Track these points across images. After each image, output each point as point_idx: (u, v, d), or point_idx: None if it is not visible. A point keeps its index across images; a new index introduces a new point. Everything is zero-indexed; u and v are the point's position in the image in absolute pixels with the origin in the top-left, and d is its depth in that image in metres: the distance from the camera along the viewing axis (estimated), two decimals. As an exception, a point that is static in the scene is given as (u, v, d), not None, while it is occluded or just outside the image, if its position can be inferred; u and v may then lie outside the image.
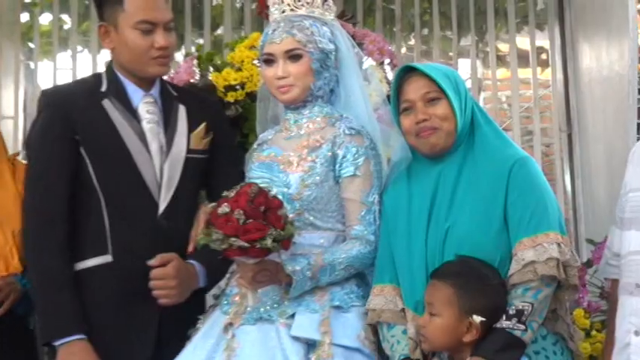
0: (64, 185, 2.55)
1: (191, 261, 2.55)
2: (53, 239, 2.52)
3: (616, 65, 3.56)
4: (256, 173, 2.52)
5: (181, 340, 2.46)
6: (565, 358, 2.32)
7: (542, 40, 4.21)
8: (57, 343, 2.47)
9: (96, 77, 2.70)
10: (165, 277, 2.47)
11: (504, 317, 2.16)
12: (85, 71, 4.10)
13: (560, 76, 4.04)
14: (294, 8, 2.52)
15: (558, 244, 2.18)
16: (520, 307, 2.15)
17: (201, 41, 4.03)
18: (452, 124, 2.32)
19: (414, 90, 2.33)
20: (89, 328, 2.47)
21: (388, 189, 2.53)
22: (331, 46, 2.52)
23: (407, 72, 2.39)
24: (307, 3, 2.53)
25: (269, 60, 2.51)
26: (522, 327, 2.13)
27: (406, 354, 2.29)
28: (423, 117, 2.31)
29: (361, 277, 2.48)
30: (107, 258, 2.53)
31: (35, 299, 2.58)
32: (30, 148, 2.70)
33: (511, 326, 2.13)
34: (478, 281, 2.19)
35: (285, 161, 2.50)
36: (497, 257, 2.25)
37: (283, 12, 2.53)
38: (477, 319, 2.14)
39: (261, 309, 2.39)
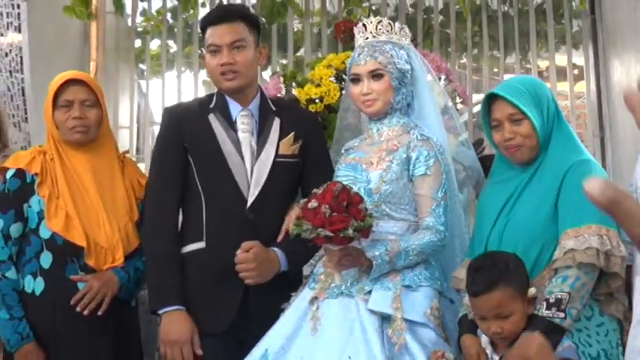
0: (176, 183, 2.65)
1: (273, 248, 2.60)
2: (166, 226, 2.64)
3: None
4: (343, 172, 2.57)
5: (269, 313, 2.51)
6: (609, 339, 2.30)
7: (578, 58, 4.19)
8: (161, 312, 2.56)
9: (209, 96, 2.79)
10: (246, 261, 2.53)
11: (545, 306, 2.17)
12: (187, 88, 4.24)
13: (593, 88, 4.06)
14: (376, 35, 2.59)
15: (600, 236, 2.18)
16: (559, 297, 2.16)
17: (285, 62, 4.10)
18: (534, 140, 2.36)
19: (500, 111, 2.37)
20: (187, 300, 2.56)
21: (485, 187, 2.61)
22: (407, 67, 2.57)
23: (493, 96, 2.43)
24: (387, 31, 2.60)
25: (355, 79, 2.57)
26: (562, 315, 2.15)
27: (465, 311, 2.36)
28: (509, 135, 2.36)
29: (429, 261, 2.50)
30: (201, 244, 2.63)
31: (146, 275, 2.66)
32: (153, 152, 2.81)
33: (551, 315, 2.14)
34: (511, 272, 2.19)
35: (367, 162, 2.55)
36: (540, 243, 2.28)
37: (367, 39, 2.60)
38: (531, 291, 2.18)
39: (343, 286, 2.44)
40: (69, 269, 2.63)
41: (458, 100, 3.54)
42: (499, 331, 2.19)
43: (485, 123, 2.48)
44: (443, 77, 3.32)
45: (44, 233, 2.63)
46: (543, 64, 4.09)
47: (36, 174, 2.65)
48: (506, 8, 4.08)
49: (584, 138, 4.06)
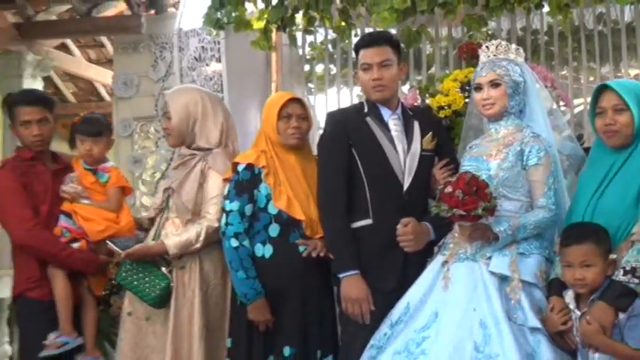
0: (343, 172, 2.73)
1: (425, 222, 2.67)
2: (338, 206, 2.71)
3: None
4: (467, 163, 2.63)
5: (419, 271, 2.62)
6: None
7: None
8: (341, 275, 2.64)
9: (360, 104, 2.89)
10: (405, 234, 2.63)
11: (621, 273, 2.17)
12: (344, 102, 4.38)
13: None
14: (496, 54, 2.66)
15: None
16: (634, 265, 2.15)
17: (420, 78, 4.21)
18: (630, 129, 2.35)
19: (607, 100, 2.39)
20: (359, 265, 2.65)
21: (582, 170, 2.62)
22: (520, 79, 2.62)
23: (604, 87, 2.44)
24: (505, 51, 2.66)
25: (478, 88, 2.63)
26: (636, 281, 2.14)
27: (558, 273, 2.39)
28: (610, 122, 2.37)
29: (540, 234, 2.53)
30: (369, 221, 2.72)
31: (328, 247, 2.74)
32: (321, 148, 2.87)
33: (627, 280, 2.14)
34: (599, 235, 2.25)
35: (487, 154, 2.60)
36: (623, 220, 2.30)
37: (488, 57, 2.67)
38: (612, 256, 2.21)
39: (468, 252, 2.51)
40: (292, 237, 2.77)
41: (561, 103, 3.58)
42: (581, 277, 2.22)
43: (591, 111, 2.48)
44: (549, 85, 3.33)
45: (272, 210, 2.77)
46: (633, 72, 4.06)
47: (262, 167, 2.80)
48: (600, 27, 4.06)
49: None
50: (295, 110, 2.86)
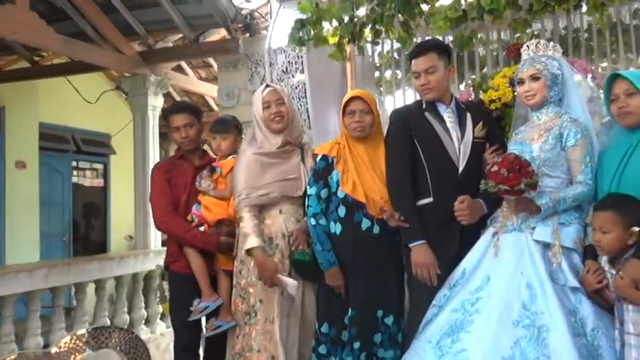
0: (408, 159, 2.72)
1: (478, 199, 2.63)
2: (405, 187, 2.71)
3: None
4: (513, 147, 2.58)
5: (474, 241, 2.58)
6: None
7: None
8: (411, 245, 2.64)
9: (419, 101, 2.86)
10: (461, 210, 2.59)
11: None
12: (409, 101, 4.18)
13: None
14: (536, 51, 2.62)
15: None
16: None
17: (474, 76, 4.12)
18: None
19: (619, 87, 2.35)
20: (425, 236, 2.64)
21: (603, 150, 2.51)
22: (558, 72, 2.56)
23: (616, 76, 2.39)
24: (543, 48, 2.62)
25: (521, 82, 2.60)
26: None
27: (591, 241, 2.31)
28: (622, 104, 2.33)
29: (578, 206, 2.46)
30: (429, 199, 2.70)
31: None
32: (388, 139, 2.86)
33: None
34: (628, 204, 2.16)
35: (530, 138, 2.54)
36: None
37: (529, 54, 2.63)
38: (636, 229, 2.12)
39: (515, 224, 2.47)
40: (356, 217, 2.79)
41: (601, 92, 3.18)
42: (597, 240, 2.18)
43: (606, 99, 2.43)
44: (590, 76, 3.21)
45: (340, 194, 2.81)
46: None
47: (334, 157, 2.85)
48: (635, 22, 3.88)
49: None
50: (358, 106, 2.86)
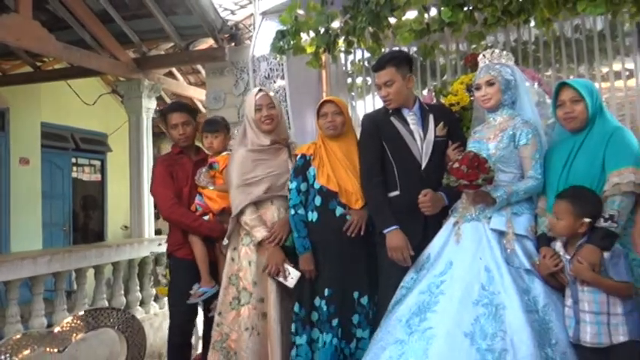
0: (377, 157, 2.71)
1: (440, 192, 2.62)
2: (376, 182, 2.69)
3: None
4: (472, 145, 2.58)
5: (437, 230, 2.57)
6: None
7: (629, 63, 3.87)
8: (385, 231, 2.60)
9: (385, 107, 2.82)
10: (424, 202, 2.57)
11: (602, 220, 2.12)
12: (379, 105, 3.79)
13: None
14: (491, 60, 2.61)
15: (635, 174, 2.14)
16: (612, 213, 2.12)
17: (435, 83, 4.10)
18: (585, 115, 2.30)
19: (565, 94, 2.35)
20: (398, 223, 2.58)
21: (549, 149, 2.51)
22: (511, 78, 2.55)
23: (563, 85, 2.39)
24: (497, 57, 2.60)
25: (478, 87, 2.59)
26: (615, 225, 2.10)
27: (543, 230, 2.34)
28: (568, 110, 2.33)
29: (529, 198, 2.46)
30: (397, 192, 2.68)
31: (370, 210, 2.72)
32: (360, 140, 2.85)
33: (607, 225, 2.10)
34: (583, 197, 2.16)
35: (487, 138, 2.55)
36: (594, 184, 2.23)
37: (485, 62, 2.62)
38: (586, 220, 2.13)
39: (473, 214, 2.47)
40: (331, 205, 2.77)
41: (546, 97, 3.21)
42: (553, 224, 2.21)
43: (553, 104, 2.43)
44: (537, 83, 3.22)
45: (316, 186, 2.80)
46: (605, 69, 3.89)
47: (311, 155, 2.85)
48: (577, 35, 3.89)
49: (636, 117, 3.80)
50: (329, 109, 2.85)
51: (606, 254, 2.10)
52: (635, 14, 3.23)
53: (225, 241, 2.94)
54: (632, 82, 3.90)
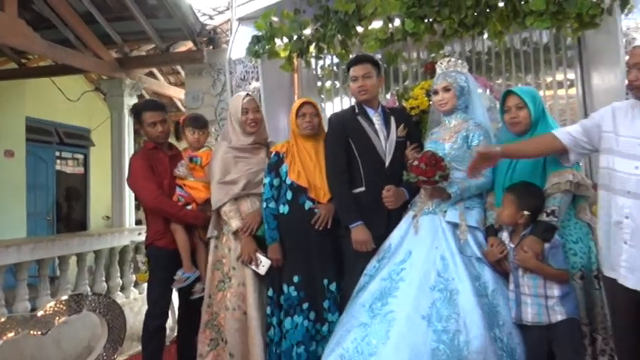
0: (343, 155, 2.70)
1: (401, 188, 2.62)
2: (342, 179, 2.68)
3: (613, 83, 3.42)
4: (430, 145, 2.59)
5: (398, 222, 2.57)
6: (583, 232, 2.29)
7: (570, 74, 3.95)
8: (351, 226, 2.59)
9: (352, 107, 2.83)
10: (388, 197, 2.57)
11: (545, 215, 2.15)
12: (346, 107, 3.93)
13: (580, 92, 3.86)
14: (447, 67, 2.62)
15: (573, 174, 2.20)
16: (553, 209, 2.17)
17: (397, 88, 4.07)
18: (528, 120, 2.34)
19: (511, 101, 2.37)
20: (362, 218, 2.59)
21: None
22: (465, 85, 2.58)
23: (509, 92, 2.41)
24: (453, 65, 2.62)
25: (435, 92, 2.60)
26: (555, 219, 2.14)
27: (491, 222, 2.37)
28: (513, 115, 2.36)
29: (480, 193, 2.50)
30: (362, 189, 2.67)
31: (336, 206, 2.71)
32: (327, 139, 2.81)
33: (549, 219, 2.14)
34: (527, 193, 2.19)
35: (442, 138, 2.56)
36: (536, 181, 2.26)
37: (442, 70, 2.63)
38: (526, 213, 2.17)
39: (430, 208, 2.49)
40: (301, 199, 2.75)
41: (497, 103, 3.27)
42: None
43: (500, 109, 2.46)
44: (489, 90, 3.29)
45: (288, 181, 2.78)
46: (549, 79, 3.97)
47: (284, 153, 2.83)
48: (525, 47, 3.96)
49: (576, 122, 3.66)
50: (309, 110, 2.84)
51: (547, 245, 2.14)
52: (577, 29, 3.30)
53: (214, 233, 2.93)
54: (572, 91, 3.98)
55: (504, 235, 2.31)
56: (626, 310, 2.00)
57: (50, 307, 2.91)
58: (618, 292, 2.01)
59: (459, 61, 2.67)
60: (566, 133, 2.16)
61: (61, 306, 2.93)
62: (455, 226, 2.40)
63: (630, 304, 1.97)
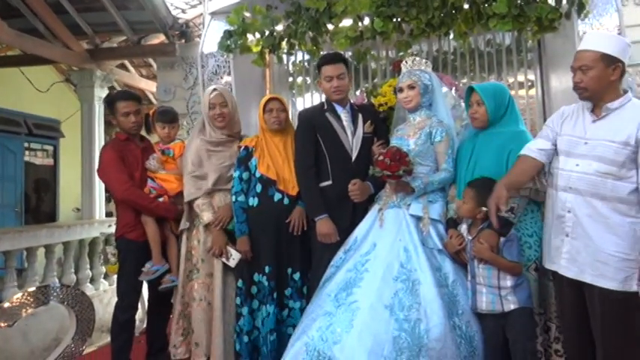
0: (312, 150, 2.71)
1: (367, 182, 2.65)
2: (309, 173, 2.69)
3: (570, 84, 3.13)
4: (394, 141, 2.61)
5: (364, 215, 2.59)
6: (534, 224, 2.34)
7: (531, 75, 3.99)
8: (316, 219, 2.62)
9: (321, 103, 2.84)
10: (354, 190, 2.60)
11: (504, 211, 2.17)
12: (317, 102, 4.17)
13: (540, 92, 3.93)
14: (412, 66, 2.65)
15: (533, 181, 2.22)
16: (512, 206, 2.23)
17: (367, 85, 4.07)
18: (485, 116, 2.40)
19: (473, 97, 2.42)
20: (327, 211, 2.62)
21: (460, 144, 2.58)
22: (429, 83, 2.60)
23: (471, 89, 2.46)
24: (418, 64, 2.65)
25: (400, 90, 2.62)
26: (513, 216, 2.21)
27: (452, 215, 2.41)
28: (474, 111, 2.41)
29: (442, 188, 2.53)
30: (329, 182, 2.69)
31: (303, 198, 2.72)
32: (296, 134, 2.82)
33: (507, 216, 2.19)
34: (487, 188, 2.20)
35: (407, 135, 2.59)
36: (498, 177, 2.24)
37: (407, 68, 2.66)
38: (484, 209, 2.20)
39: (395, 201, 2.51)
40: (270, 191, 2.75)
41: (461, 101, 3.26)
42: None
43: (466, 104, 2.52)
44: (454, 89, 3.30)
45: (257, 174, 2.77)
46: (511, 79, 4.02)
47: (253, 147, 2.82)
48: (488, 48, 4.03)
49: (535, 122, 3.92)
50: (275, 105, 2.83)
51: (502, 239, 2.20)
52: (536, 32, 3.36)
53: (187, 224, 2.90)
54: (532, 92, 4.04)
55: (463, 228, 2.35)
56: (573, 306, 2.07)
57: (17, 298, 2.85)
58: (565, 290, 2.09)
59: (424, 60, 2.69)
60: (538, 151, 2.19)
61: (28, 298, 2.87)
62: (418, 219, 2.43)
63: (578, 299, 2.04)
